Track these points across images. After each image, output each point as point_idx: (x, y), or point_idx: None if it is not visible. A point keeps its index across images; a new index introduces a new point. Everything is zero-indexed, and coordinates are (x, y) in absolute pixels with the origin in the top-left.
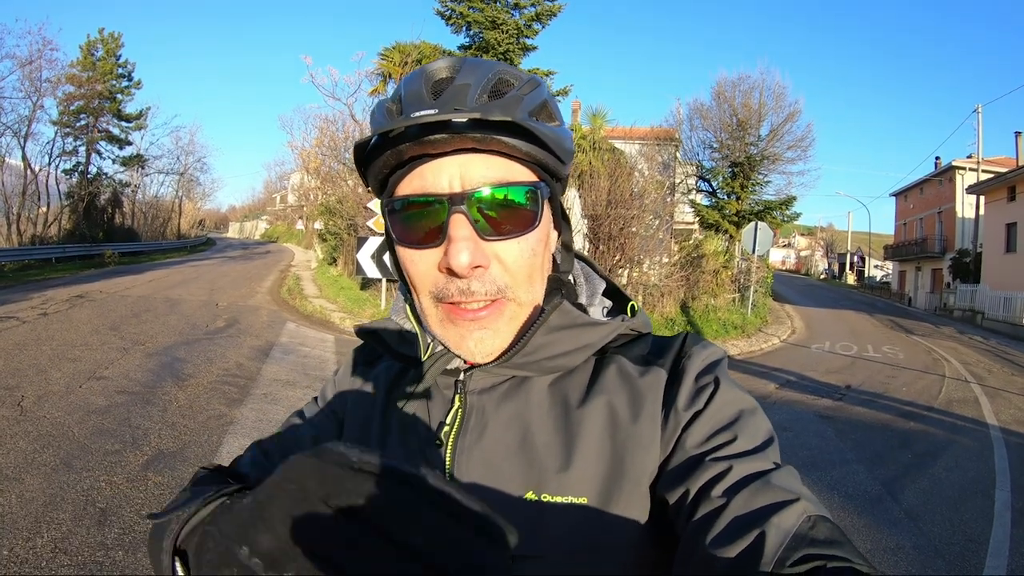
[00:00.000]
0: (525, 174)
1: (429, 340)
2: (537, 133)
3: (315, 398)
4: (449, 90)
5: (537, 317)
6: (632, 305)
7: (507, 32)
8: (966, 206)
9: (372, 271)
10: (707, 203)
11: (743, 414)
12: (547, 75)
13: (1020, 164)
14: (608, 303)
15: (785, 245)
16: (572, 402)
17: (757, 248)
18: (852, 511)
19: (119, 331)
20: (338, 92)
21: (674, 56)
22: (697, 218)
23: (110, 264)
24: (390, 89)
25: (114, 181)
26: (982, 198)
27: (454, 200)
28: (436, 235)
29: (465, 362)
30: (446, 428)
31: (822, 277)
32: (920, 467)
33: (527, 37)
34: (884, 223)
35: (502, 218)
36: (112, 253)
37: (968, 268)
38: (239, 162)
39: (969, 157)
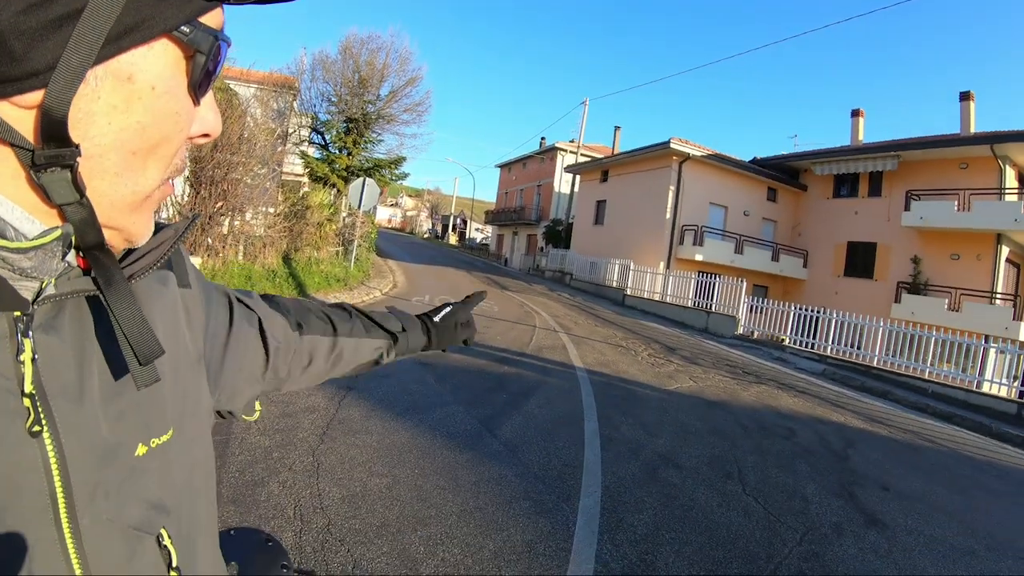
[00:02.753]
0: None
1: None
2: None
3: None
4: None
5: None
6: None
7: None
8: (563, 182)
9: None
10: (318, 156)
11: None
12: None
13: (614, 153)
14: None
15: (392, 204)
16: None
17: (363, 203)
18: (454, 448)
19: None
20: None
21: (306, 6)
22: (307, 170)
23: None
24: None
25: None
26: (578, 177)
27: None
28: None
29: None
30: (28, 398)
31: (426, 236)
32: (515, 405)
33: None
34: (488, 191)
35: None
36: None
37: (560, 235)
38: None
39: (572, 141)
